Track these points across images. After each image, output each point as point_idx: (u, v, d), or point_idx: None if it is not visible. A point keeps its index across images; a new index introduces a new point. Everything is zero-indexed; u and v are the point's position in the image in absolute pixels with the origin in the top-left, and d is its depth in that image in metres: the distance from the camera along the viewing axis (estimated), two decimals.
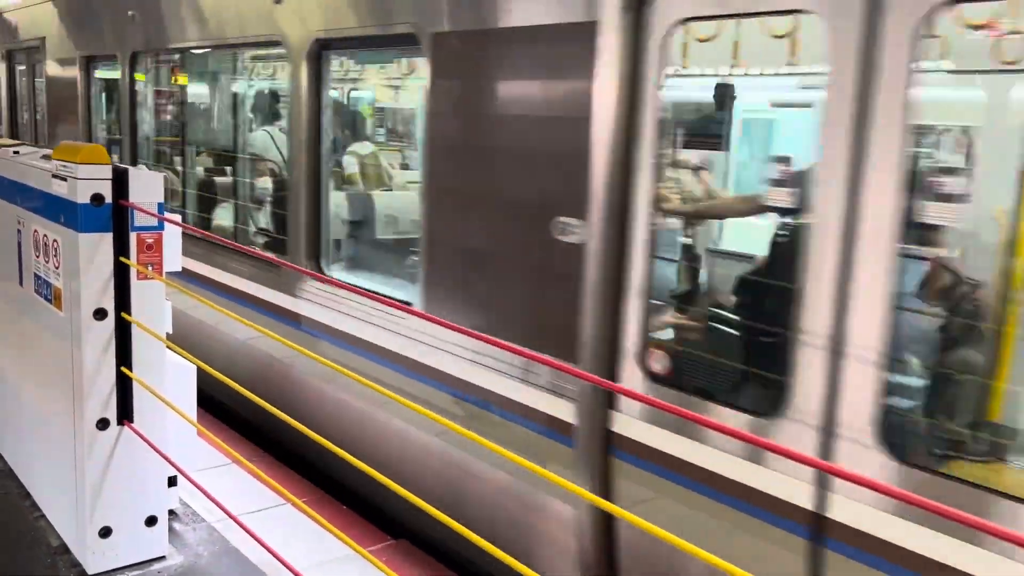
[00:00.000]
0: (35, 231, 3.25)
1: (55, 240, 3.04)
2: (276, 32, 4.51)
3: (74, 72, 7.01)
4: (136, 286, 2.96)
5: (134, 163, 6.12)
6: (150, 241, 2.97)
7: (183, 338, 3.49)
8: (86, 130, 7.00)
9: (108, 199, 2.86)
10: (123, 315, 2.95)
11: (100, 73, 7.05)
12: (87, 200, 2.82)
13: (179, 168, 6.46)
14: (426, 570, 3.81)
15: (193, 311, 4.80)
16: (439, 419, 1.94)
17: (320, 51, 4.21)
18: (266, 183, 5.68)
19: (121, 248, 2.92)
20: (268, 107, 6.03)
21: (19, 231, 3.46)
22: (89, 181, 2.82)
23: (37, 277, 3.28)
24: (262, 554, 3.07)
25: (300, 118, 4.30)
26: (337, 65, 5.25)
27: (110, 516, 3.02)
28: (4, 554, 3.16)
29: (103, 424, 2.96)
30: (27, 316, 3.50)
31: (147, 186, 2.93)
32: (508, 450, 1.66)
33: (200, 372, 3.26)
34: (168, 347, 3.08)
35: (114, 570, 3.06)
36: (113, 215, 2.91)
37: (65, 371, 3.03)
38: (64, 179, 2.89)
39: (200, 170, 6.50)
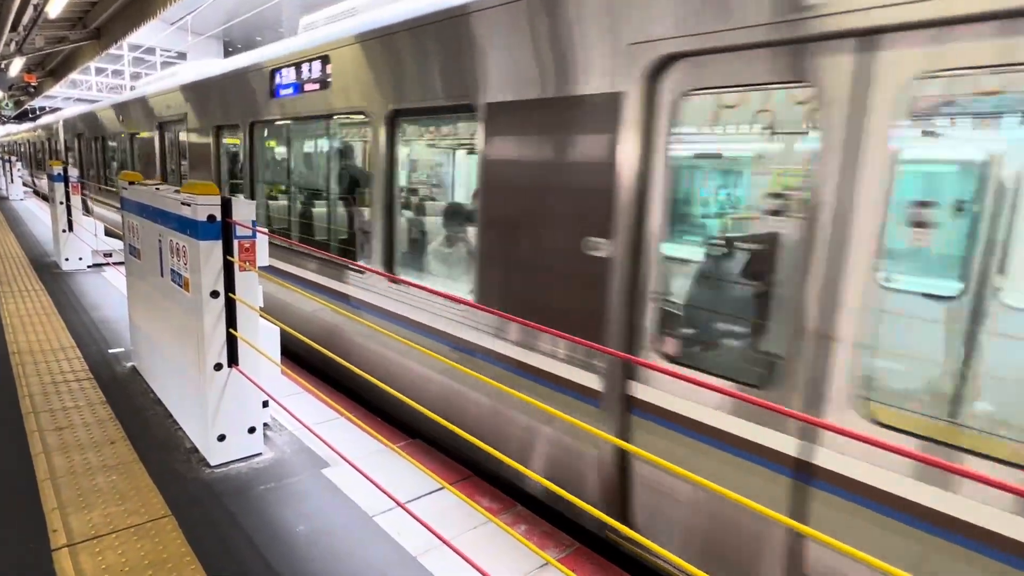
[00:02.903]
0: (171, 240, 3.84)
1: (183, 246, 3.62)
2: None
3: (207, 138, 8.25)
4: (238, 275, 3.57)
5: (252, 198, 6.90)
6: (247, 245, 3.58)
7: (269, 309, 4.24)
8: (215, 176, 8.20)
9: (218, 218, 3.45)
10: (230, 294, 3.57)
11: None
12: (204, 219, 3.41)
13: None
14: (432, 459, 4.29)
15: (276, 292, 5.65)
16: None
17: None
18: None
19: (228, 250, 3.52)
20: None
21: (160, 241, 4.04)
22: (205, 207, 3.41)
23: (173, 271, 3.86)
24: (325, 450, 3.84)
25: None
26: None
27: (224, 427, 3.64)
28: (158, 452, 3.78)
29: (218, 367, 3.57)
30: (167, 297, 4.05)
31: (244, 209, 3.55)
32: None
33: (282, 332, 3.93)
34: (260, 315, 3.68)
35: (228, 462, 3.67)
36: (222, 228, 3.48)
37: (193, 332, 3.61)
38: (189, 205, 3.46)
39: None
